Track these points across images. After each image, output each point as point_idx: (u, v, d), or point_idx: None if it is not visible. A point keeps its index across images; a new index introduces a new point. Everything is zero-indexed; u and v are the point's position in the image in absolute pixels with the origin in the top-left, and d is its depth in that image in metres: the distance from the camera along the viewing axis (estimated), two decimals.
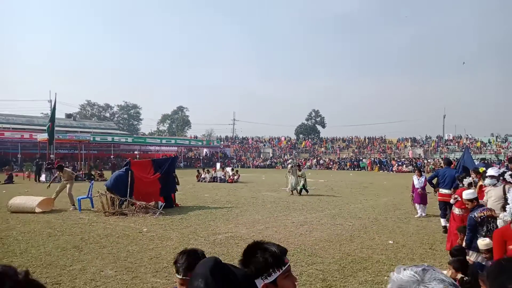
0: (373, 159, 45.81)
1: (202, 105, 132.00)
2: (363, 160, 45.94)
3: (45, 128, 28.75)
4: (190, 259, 2.04)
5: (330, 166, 47.72)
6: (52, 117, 25.24)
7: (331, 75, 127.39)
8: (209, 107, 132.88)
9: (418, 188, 10.24)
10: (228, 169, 27.00)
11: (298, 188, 15.78)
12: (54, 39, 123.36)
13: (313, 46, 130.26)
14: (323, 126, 79.33)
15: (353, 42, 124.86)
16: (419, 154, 47.98)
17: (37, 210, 10.53)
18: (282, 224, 9.04)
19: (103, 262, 5.78)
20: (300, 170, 16.09)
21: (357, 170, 43.57)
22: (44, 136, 28.85)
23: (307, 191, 15.94)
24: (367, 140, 58.75)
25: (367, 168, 43.80)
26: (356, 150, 54.52)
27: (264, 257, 1.36)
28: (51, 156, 27.53)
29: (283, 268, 1.37)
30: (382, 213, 10.87)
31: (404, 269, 0.93)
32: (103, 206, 10.48)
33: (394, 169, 40.84)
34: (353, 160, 46.95)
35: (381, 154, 50.43)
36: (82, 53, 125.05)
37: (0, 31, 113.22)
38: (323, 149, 58.55)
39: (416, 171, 10.82)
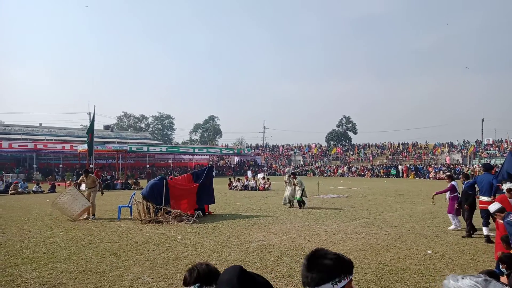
0: (408, 165, 44.33)
1: (232, 113, 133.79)
2: (399, 167, 44.49)
3: (84, 139, 30.08)
4: (202, 277, 1.81)
5: (363, 173, 46.68)
6: (91, 129, 26.35)
7: (362, 79, 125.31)
8: (239, 116, 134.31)
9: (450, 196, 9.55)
10: (260, 175, 27.05)
11: (295, 200, 14.02)
12: (94, 53, 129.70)
13: (344, 49, 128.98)
14: (355, 133, 77.97)
15: (383, 43, 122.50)
16: (457, 160, 45.93)
17: (76, 218, 11.00)
18: (315, 232, 8.92)
19: (140, 268, 5.94)
20: (295, 178, 14.37)
21: (391, 177, 42.31)
22: (84, 147, 30.16)
23: (303, 203, 13.94)
24: (401, 146, 57.01)
25: (402, 174, 42.43)
26: (389, 157, 53.03)
27: (336, 261, 1.34)
28: (91, 166, 28.72)
29: (350, 277, 1.35)
30: (419, 221, 10.47)
31: (463, 278, 0.86)
32: (139, 214, 10.79)
33: (431, 176, 39.30)
34: (387, 167, 45.68)
35: (416, 160, 48.75)
36: (119, 66, 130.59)
37: (39, 43, 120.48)
38: (355, 156, 57.41)
39: (446, 177, 10.24)
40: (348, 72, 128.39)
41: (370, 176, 44.65)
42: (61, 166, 42.47)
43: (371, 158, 54.06)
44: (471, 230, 8.43)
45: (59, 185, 28.36)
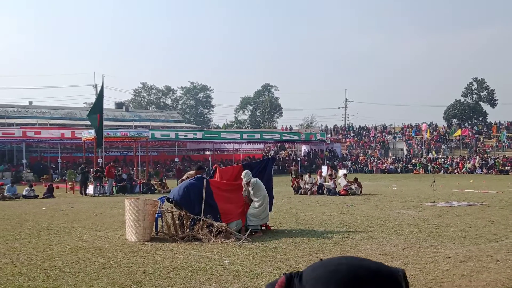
0: None
1: (297, 80, 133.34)
2: None
3: (90, 123, 31.64)
4: None
5: (507, 168, 44.54)
6: (100, 107, 27.58)
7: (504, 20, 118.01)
8: (307, 83, 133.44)
9: None
10: (342, 173, 26.80)
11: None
12: (99, 8, 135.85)
13: None
14: (493, 105, 74.37)
15: None
16: None
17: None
18: (430, 259, 8.71)
19: None
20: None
21: None
22: (89, 134, 31.75)
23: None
24: None
25: None
26: None
27: None
28: (99, 160, 30.36)
29: None
30: None
31: None
32: (168, 228, 11.23)
33: None
34: None
35: None
36: (134, 24, 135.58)
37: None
38: (493, 141, 54.80)
39: None
40: (480, 12, 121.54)
41: None
42: (59, 161, 45.20)
43: None
44: None
45: (58, 187, 30.36)
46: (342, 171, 29.38)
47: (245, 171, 12.25)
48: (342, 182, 24.14)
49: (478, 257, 8.82)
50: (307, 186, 24.26)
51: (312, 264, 1.19)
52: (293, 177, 26.76)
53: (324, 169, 32.78)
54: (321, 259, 1.23)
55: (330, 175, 25.36)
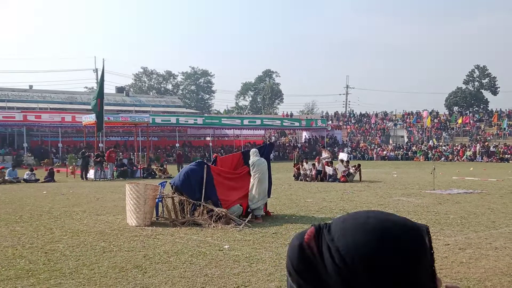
0: None
1: (298, 67, 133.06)
2: None
3: (90, 107, 31.68)
4: None
5: (508, 156, 44.53)
6: (101, 92, 27.62)
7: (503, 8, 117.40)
8: (309, 70, 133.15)
9: None
10: (343, 156, 26.72)
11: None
12: None
13: None
14: (494, 92, 74.15)
15: None
16: None
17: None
18: None
19: None
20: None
21: None
22: (90, 119, 31.87)
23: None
24: None
25: None
26: None
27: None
28: (100, 145, 30.39)
29: None
30: None
31: None
32: (169, 213, 11.27)
33: None
34: None
35: None
36: (136, 8, 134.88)
37: None
38: (494, 129, 54.71)
39: None
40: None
41: None
42: (60, 145, 45.31)
43: None
44: None
45: (58, 171, 30.46)
46: (341, 155, 29.34)
47: (253, 149, 12.45)
48: (340, 167, 24.10)
49: (477, 244, 8.85)
50: (307, 172, 24.30)
51: (341, 216, 1.22)
52: (294, 163, 26.70)
53: (324, 153, 32.72)
54: (347, 213, 1.25)
55: (331, 162, 25.14)
